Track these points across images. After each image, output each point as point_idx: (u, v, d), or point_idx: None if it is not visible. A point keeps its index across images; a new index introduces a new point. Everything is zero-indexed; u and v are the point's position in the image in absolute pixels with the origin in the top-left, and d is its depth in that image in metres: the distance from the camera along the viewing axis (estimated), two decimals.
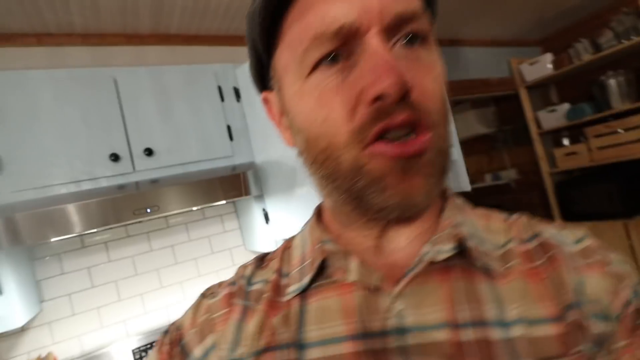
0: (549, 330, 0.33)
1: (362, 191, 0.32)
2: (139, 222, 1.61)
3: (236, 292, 0.42)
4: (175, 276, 1.70)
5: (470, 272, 0.35)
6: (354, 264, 0.36)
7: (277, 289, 0.40)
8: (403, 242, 0.37)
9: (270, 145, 1.55)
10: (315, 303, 0.37)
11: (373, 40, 0.30)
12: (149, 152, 1.38)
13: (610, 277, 0.36)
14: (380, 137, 0.31)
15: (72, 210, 1.16)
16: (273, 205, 1.57)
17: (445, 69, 0.35)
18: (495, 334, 0.32)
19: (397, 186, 0.31)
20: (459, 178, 1.62)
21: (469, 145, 3.37)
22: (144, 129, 1.40)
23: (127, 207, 1.16)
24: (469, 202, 0.43)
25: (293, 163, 1.47)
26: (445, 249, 0.35)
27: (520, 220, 0.40)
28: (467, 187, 1.60)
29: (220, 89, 1.57)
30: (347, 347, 0.34)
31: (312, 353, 0.35)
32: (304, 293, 0.38)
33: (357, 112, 0.31)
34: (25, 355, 1.40)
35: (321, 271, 0.38)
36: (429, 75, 0.32)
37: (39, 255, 1.48)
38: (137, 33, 1.72)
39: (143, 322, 1.62)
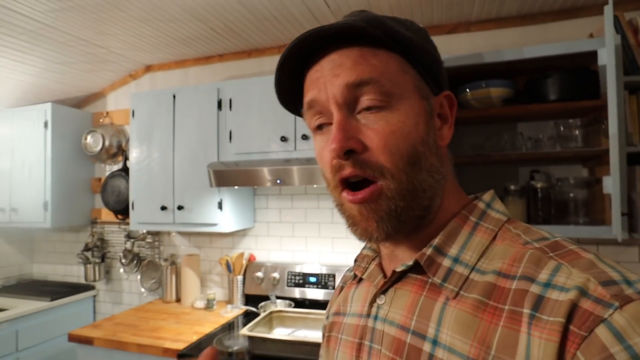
0: None
1: (346, 219, 0.46)
2: (311, 186, 2.17)
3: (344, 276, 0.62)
4: (330, 231, 2.18)
5: (437, 290, 0.42)
6: (371, 267, 0.52)
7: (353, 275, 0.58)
8: (401, 254, 0.47)
9: None
10: (354, 289, 0.55)
11: (335, 115, 0.43)
12: (305, 137, 1.86)
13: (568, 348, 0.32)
14: (347, 184, 0.43)
15: (259, 171, 1.83)
16: None
17: (419, 120, 0.43)
18: (426, 347, 0.40)
19: (359, 224, 0.43)
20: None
21: None
22: None
23: (263, 178, 1.72)
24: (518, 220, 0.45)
25: None
26: (406, 264, 0.44)
27: (534, 252, 0.39)
28: (616, 235, 1.12)
29: None
30: (354, 319, 0.51)
31: (347, 319, 0.53)
32: (357, 280, 0.55)
33: (331, 164, 0.44)
34: (240, 250, 2.34)
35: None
36: (382, 135, 0.41)
37: (258, 192, 2.34)
38: None
39: (304, 257, 2.23)
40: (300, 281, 2.11)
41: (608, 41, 1.18)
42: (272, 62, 2.36)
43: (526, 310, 0.35)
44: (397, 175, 0.41)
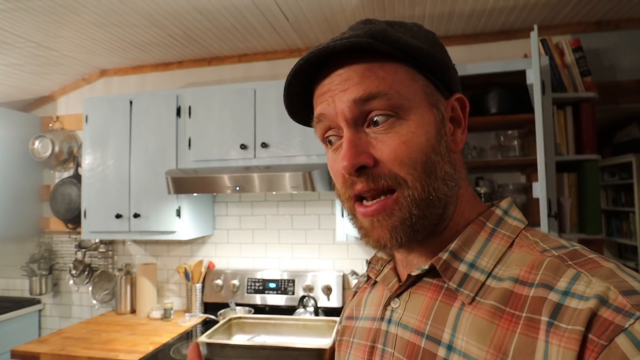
0: None
1: (358, 231, 0.46)
2: (273, 193, 2.20)
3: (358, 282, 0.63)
4: (290, 237, 2.22)
5: (452, 295, 0.42)
6: (385, 270, 0.52)
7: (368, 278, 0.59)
8: (415, 259, 0.48)
9: None
10: (368, 293, 0.56)
11: (345, 131, 0.43)
12: (264, 144, 1.89)
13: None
14: (359, 197, 0.44)
15: (219, 178, 1.84)
16: None
17: (432, 129, 0.43)
18: (441, 352, 0.40)
19: (370, 235, 0.44)
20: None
21: None
22: (265, 127, 1.91)
23: (223, 185, 1.74)
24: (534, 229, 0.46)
25: None
26: (422, 268, 0.44)
27: (553, 260, 0.38)
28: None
29: None
30: (367, 323, 0.52)
31: (359, 323, 0.54)
32: (371, 283, 0.57)
33: (344, 179, 0.44)
34: (199, 257, 2.32)
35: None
36: (393, 147, 0.41)
37: (217, 200, 2.34)
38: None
39: (264, 263, 2.25)
40: (260, 287, 2.13)
41: (534, 63, 1.32)
42: (232, 70, 2.38)
43: (544, 318, 0.35)
44: (413, 184, 0.41)
